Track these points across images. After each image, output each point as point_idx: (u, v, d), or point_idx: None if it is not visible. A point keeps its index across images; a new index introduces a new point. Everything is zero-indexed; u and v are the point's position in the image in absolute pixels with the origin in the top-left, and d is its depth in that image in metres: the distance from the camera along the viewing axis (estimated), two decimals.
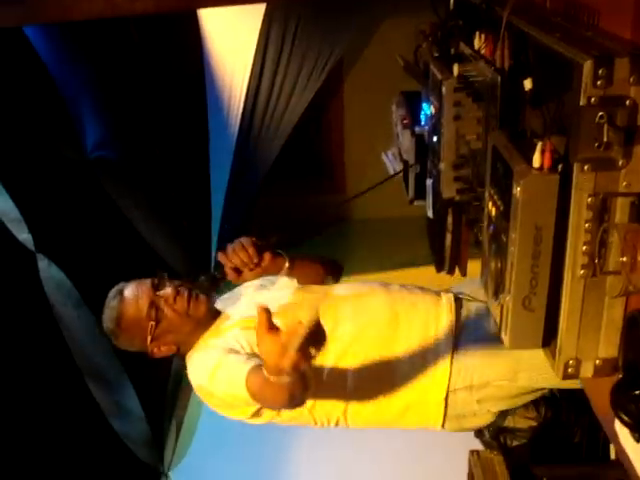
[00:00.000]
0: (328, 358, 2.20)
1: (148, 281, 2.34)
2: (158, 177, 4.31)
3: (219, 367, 2.12)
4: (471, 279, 2.36)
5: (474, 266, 2.29)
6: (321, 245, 5.75)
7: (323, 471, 3.84)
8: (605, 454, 2.60)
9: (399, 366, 2.20)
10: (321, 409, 2.24)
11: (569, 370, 1.36)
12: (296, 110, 4.64)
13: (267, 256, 2.28)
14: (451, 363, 2.17)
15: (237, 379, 2.01)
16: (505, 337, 1.40)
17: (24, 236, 3.22)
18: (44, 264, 3.30)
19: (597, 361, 1.35)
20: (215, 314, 2.37)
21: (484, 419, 2.25)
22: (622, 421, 1.15)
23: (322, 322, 2.21)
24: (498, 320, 1.45)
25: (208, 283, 2.32)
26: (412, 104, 2.63)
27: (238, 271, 2.28)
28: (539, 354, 1.98)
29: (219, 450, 4.09)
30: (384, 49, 4.75)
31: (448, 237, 2.45)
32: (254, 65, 4.47)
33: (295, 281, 2.44)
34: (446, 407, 2.19)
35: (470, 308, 2.30)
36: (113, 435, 3.70)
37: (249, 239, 2.27)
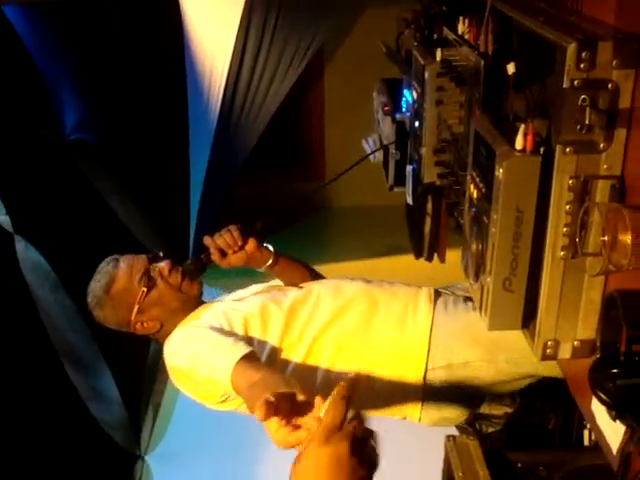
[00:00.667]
0: (305, 340, 2.21)
1: (144, 255, 2.37)
2: (137, 161, 4.30)
3: (203, 350, 2.11)
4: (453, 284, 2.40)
5: (453, 254, 2.31)
6: (300, 233, 5.75)
7: None
8: (579, 441, 2.63)
9: (377, 349, 2.20)
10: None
11: (548, 351, 1.38)
12: (277, 97, 4.64)
13: (252, 241, 2.31)
14: (429, 342, 2.18)
15: (223, 367, 1.98)
16: (485, 318, 1.42)
17: (2, 217, 3.20)
18: (21, 246, 3.29)
19: (575, 342, 1.37)
20: (200, 303, 2.37)
21: (464, 407, 2.26)
22: (600, 399, 1.16)
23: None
24: (478, 301, 1.46)
25: (194, 266, 2.33)
26: (393, 91, 2.65)
27: (223, 254, 2.29)
28: (518, 336, 2.00)
29: (195, 435, 4.09)
30: (365, 36, 4.76)
31: (427, 223, 2.47)
32: (235, 50, 4.46)
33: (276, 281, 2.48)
34: (423, 389, 2.19)
35: (449, 298, 2.32)
36: (90, 419, 3.70)
37: (235, 225, 2.32)
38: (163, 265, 2.32)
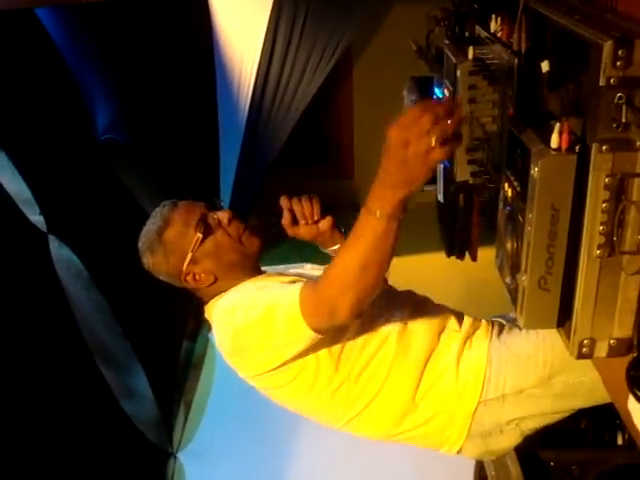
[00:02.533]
0: (377, 336, 2.07)
1: (202, 202, 2.19)
2: (168, 159, 4.32)
3: (271, 287, 1.98)
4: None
5: (485, 253, 2.31)
6: None
7: (333, 453, 3.84)
8: (612, 440, 2.61)
9: (435, 370, 2.07)
10: (342, 396, 2.08)
11: (583, 350, 1.37)
12: (305, 95, 4.65)
13: (329, 219, 2.12)
14: (485, 371, 2.04)
15: (291, 290, 1.84)
16: (520, 317, 1.42)
17: (36, 217, 3.22)
18: (55, 245, 3.32)
19: (611, 341, 1.36)
20: (258, 267, 2.19)
21: (511, 438, 2.08)
22: (637, 398, 1.16)
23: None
24: (513, 300, 1.46)
25: (259, 223, 2.19)
26: (423, 89, 2.64)
27: (295, 221, 2.10)
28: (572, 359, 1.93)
29: (227, 432, 4.12)
30: (394, 34, 4.75)
31: (459, 221, 2.47)
32: (264, 50, 4.48)
33: None
34: (472, 422, 2.05)
35: (503, 327, 2.19)
36: (123, 416, 3.73)
37: (317, 196, 2.13)
38: (223, 213, 2.13)
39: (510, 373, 2.03)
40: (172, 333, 4.10)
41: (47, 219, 3.26)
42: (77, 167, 3.64)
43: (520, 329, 2.12)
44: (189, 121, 4.49)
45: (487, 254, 1.92)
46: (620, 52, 1.18)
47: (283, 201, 2.10)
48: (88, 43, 3.99)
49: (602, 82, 1.19)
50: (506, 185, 1.49)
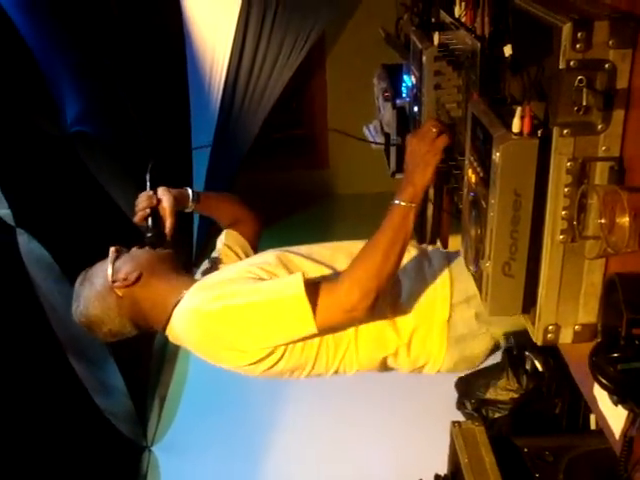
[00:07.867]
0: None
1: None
2: (139, 151, 4.28)
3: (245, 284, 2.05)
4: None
5: (455, 240, 2.30)
6: (305, 220, 5.76)
7: (310, 447, 3.85)
8: (585, 425, 2.62)
9: (403, 290, 2.19)
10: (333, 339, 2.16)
11: (548, 336, 1.37)
12: (278, 85, 4.63)
13: (160, 189, 2.43)
14: (450, 274, 2.21)
15: (287, 285, 1.96)
16: (485, 304, 1.41)
17: (4, 211, 3.18)
18: (24, 239, 3.27)
19: (576, 327, 1.36)
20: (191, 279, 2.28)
21: (483, 342, 2.24)
22: (601, 384, 1.15)
23: None
24: (478, 287, 1.45)
25: (154, 239, 2.38)
26: (393, 77, 2.64)
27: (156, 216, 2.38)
28: None
29: (201, 425, 4.10)
30: (366, 22, 4.75)
31: (429, 208, 2.46)
32: (235, 40, 4.45)
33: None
34: (449, 329, 2.19)
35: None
36: (97, 411, 3.70)
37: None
38: None
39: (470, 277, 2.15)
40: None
41: (15, 213, 3.22)
42: (45, 160, 3.60)
43: None
44: (161, 112, 4.45)
45: (458, 240, 1.91)
46: (579, 34, 1.16)
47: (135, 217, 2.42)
48: (57, 33, 3.94)
49: (562, 65, 1.18)
50: (470, 171, 1.48)
